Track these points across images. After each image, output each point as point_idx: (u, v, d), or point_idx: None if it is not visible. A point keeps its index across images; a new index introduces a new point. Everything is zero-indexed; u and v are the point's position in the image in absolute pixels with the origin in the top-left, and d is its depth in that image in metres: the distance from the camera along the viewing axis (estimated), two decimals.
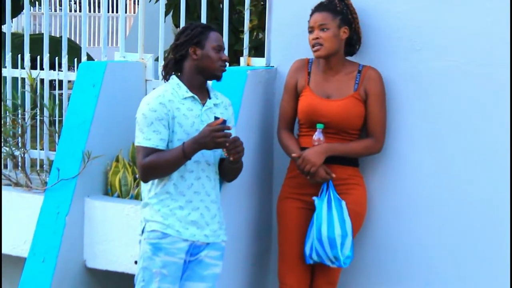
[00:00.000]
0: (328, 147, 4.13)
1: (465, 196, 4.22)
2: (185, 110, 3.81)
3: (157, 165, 3.75)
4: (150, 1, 7.28)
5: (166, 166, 3.75)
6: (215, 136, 3.68)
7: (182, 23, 5.00)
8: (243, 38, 4.89)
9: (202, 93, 3.89)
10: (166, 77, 3.90)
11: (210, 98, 3.90)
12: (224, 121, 3.76)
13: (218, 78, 3.88)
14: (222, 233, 3.92)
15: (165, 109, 3.77)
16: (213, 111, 3.88)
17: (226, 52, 4.69)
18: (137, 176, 4.69)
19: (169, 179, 3.80)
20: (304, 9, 4.34)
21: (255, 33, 6.45)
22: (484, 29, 4.15)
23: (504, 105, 4.12)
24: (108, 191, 4.72)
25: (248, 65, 4.75)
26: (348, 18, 4.18)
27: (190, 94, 3.83)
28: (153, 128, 3.76)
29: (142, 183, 3.91)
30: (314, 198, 4.17)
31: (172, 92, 3.82)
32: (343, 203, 4.16)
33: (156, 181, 3.83)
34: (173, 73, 3.89)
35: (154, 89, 4.88)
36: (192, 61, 3.84)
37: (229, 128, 3.73)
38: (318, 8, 4.20)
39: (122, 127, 4.79)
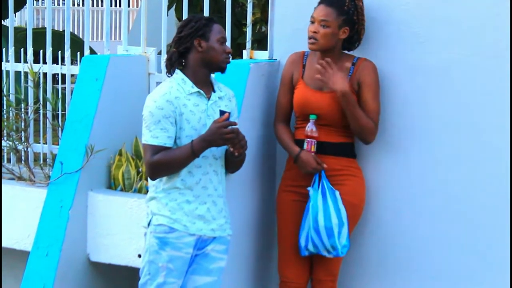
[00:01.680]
0: (349, 93, 4.08)
1: (467, 190, 4.21)
2: (192, 106, 3.80)
3: (166, 164, 3.74)
4: None
5: (174, 164, 3.75)
6: (222, 133, 3.68)
7: (185, 17, 4.98)
8: (246, 31, 4.88)
9: (206, 87, 3.88)
10: (170, 71, 3.88)
11: (214, 91, 3.90)
12: (229, 115, 3.76)
13: (222, 70, 3.87)
14: (227, 227, 3.93)
15: (172, 107, 3.76)
16: (218, 104, 3.88)
17: (228, 45, 4.69)
18: (140, 169, 4.69)
19: (177, 175, 3.80)
20: (307, 2, 4.33)
21: (258, 26, 6.45)
22: (488, 21, 4.13)
23: (510, 97, 4.10)
24: (111, 184, 4.71)
25: (251, 58, 4.75)
26: (352, 19, 4.16)
27: (196, 89, 3.82)
28: (160, 126, 3.75)
29: (148, 179, 3.90)
30: (309, 188, 4.18)
31: (178, 88, 3.80)
32: (337, 192, 4.17)
33: (164, 177, 3.83)
34: (177, 67, 3.87)
35: (157, 83, 4.92)
36: (196, 53, 3.82)
37: (235, 124, 3.72)
38: (325, 1, 4.17)
39: (125, 121, 4.78)
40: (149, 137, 3.77)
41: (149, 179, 3.90)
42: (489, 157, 4.16)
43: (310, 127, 4.17)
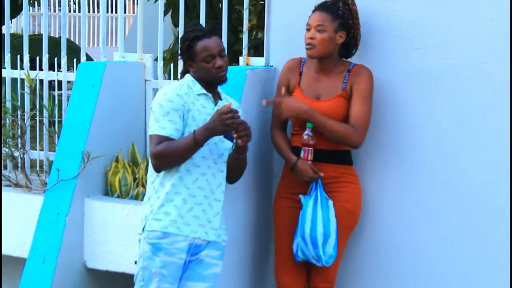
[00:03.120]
0: (309, 109, 4.08)
1: (464, 194, 4.22)
2: (199, 106, 3.86)
3: (169, 153, 3.75)
4: (148, 0, 7.28)
5: (177, 153, 3.76)
6: (223, 119, 3.70)
7: (181, 23, 5.00)
8: (242, 38, 4.89)
9: (213, 94, 3.94)
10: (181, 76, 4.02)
11: (221, 100, 3.96)
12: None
13: (219, 83, 3.92)
14: (223, 233, 3.93)
15: (182, 101, 3.81)
16: None
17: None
18: (136, 176, 4.69)
19: (176, 171, 3.81)
20: (303, 8, 4.34)
21: (254, 33, 6.45)
22: (483, 26, 4.14)
23: (504, 103, 4.11)
24: (108, 191, 4.71)
25: (247, 64, 4.75)
26: (348, 23, 4.16)
27: (204, 91, 3.88)
28: (169, 118, 3.78)
29: (148, 176, 3.91)
30: (301, 196, 4.19)
31: (188, 88, 3.87)
32: (330, 202, 4.16)
33: (162, 173, 3.84)
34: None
35: (153, 89, 4.95)
36: (192, 72, 3.92)
37: (236, 112, 3.74)
38: (320, 8, 4.18)
39: (121, 127, 4.79)
40: (156, 128, 3.79)
41: (148, 177, 3.91)
42: (488, 160, 4.16)
43: (307, 135, 4.16)
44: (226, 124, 3.71)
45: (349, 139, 4.14)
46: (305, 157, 4.18)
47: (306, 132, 4.17)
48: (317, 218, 4.14)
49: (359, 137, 4.15)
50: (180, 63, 4.42)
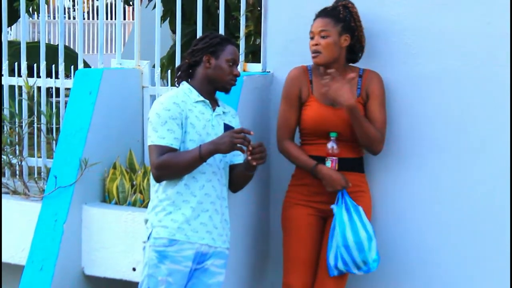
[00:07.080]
0: (356, 107, 4.05)
1: (465, 197, 4.21)
2: (197, 113, 3.85)
3: (172, 164, 3.73)
4: (146, 7, 7.30)
5: (181, 165, 3.73)
6: (234, 137, 3.67)
7: (179, 29, 5.00)
8: (239, 44, 4.89)
9: (211, 101, 3.93)
10: (178, 81, 3.95)
11: (218, 106, 3.95)
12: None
13: (226, 90, 3.91)
14: (227, 240, 3.93)
15: (179, 109, 3.79)
16: (222, 118, 3.92)
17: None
18: (134, 183, 4.69)
19: (180, 179, 3.80)
20: (300, 14, 4.34)
21: (252, 39, 6.46)
22: (480, 30, 4.14)
23: (503, 106, 4.11)
24: (105, 198, 4.71)
25: (244, 70, 4.75)
26: (350, 26, 4.14)
27: (202, 98, 3.87)
28: (167, 127, 3.76)
29: (151, 185, 3.90)
30: (333, 206, 4.12)
31: (184, 96, 3.86)
32: (360, 208, 4.12)
33: (165, 182, 3.82)
34: (184, 79, 3.93)
35: (151, 96, 4.94)
36: (204, 69, 3.88)
37: (250, 133, 3.71)
38: (320, 14, 4.17)
39: (119, 134, 4.79)
40: (155, 138, 3.77)
41: (151, 187, 3.91)
42: (488, 164, 4.16)
43: (331, 145, 4.11)
44: (234, 143, 3.67)
45: (376, 144, 4.16)
46: (333, 167, 4.12)
47: (331, 142, 4.11)
48: (356, 223, 4.08)
49: (382, 144, 4.18)
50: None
